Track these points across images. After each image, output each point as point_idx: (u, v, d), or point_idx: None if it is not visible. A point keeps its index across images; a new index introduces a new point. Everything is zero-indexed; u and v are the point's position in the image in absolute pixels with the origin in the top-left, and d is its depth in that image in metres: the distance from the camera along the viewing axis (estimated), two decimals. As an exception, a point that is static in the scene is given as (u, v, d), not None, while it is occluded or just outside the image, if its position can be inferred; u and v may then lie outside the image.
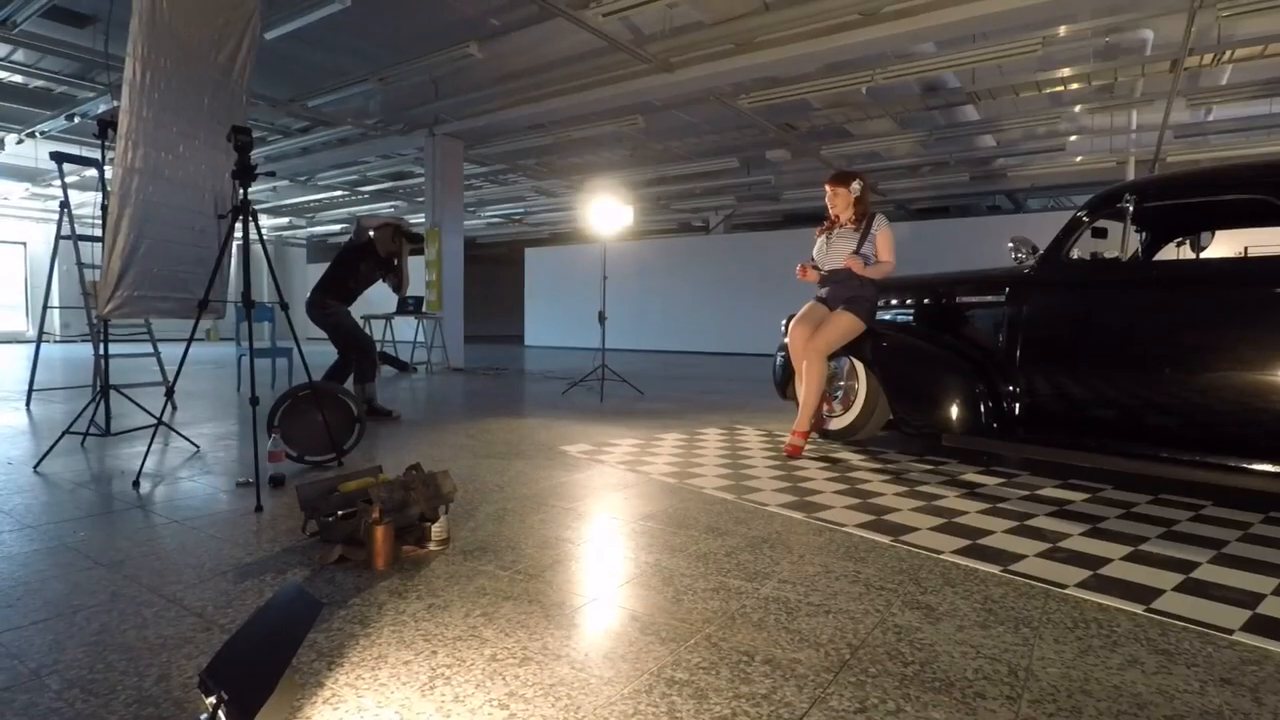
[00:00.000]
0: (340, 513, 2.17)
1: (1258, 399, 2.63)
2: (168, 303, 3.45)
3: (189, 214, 3.46)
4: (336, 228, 19.98)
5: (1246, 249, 8.34)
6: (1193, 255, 4.00)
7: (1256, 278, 2.70)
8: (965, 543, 2.21)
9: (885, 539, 2.25)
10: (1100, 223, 3.31)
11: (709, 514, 2.53)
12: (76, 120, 9.51)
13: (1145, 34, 6.89)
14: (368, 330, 8.55)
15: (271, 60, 7.22)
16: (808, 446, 3.74)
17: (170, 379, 5.13)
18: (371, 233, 4.81)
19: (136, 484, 2.88)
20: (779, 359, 4.46)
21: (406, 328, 10.18)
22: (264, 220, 18.55)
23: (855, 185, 3.89)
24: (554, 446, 3.86)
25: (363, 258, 4.85)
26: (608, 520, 2.46)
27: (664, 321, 15.15)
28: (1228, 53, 7.09)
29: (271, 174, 3.25)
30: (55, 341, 15.31)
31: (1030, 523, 2.44)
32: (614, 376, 6.67)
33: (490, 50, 7.20)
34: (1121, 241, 3.08)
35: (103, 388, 3.57)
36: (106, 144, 3.53)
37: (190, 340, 2.98)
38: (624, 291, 13.52)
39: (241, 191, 2.82)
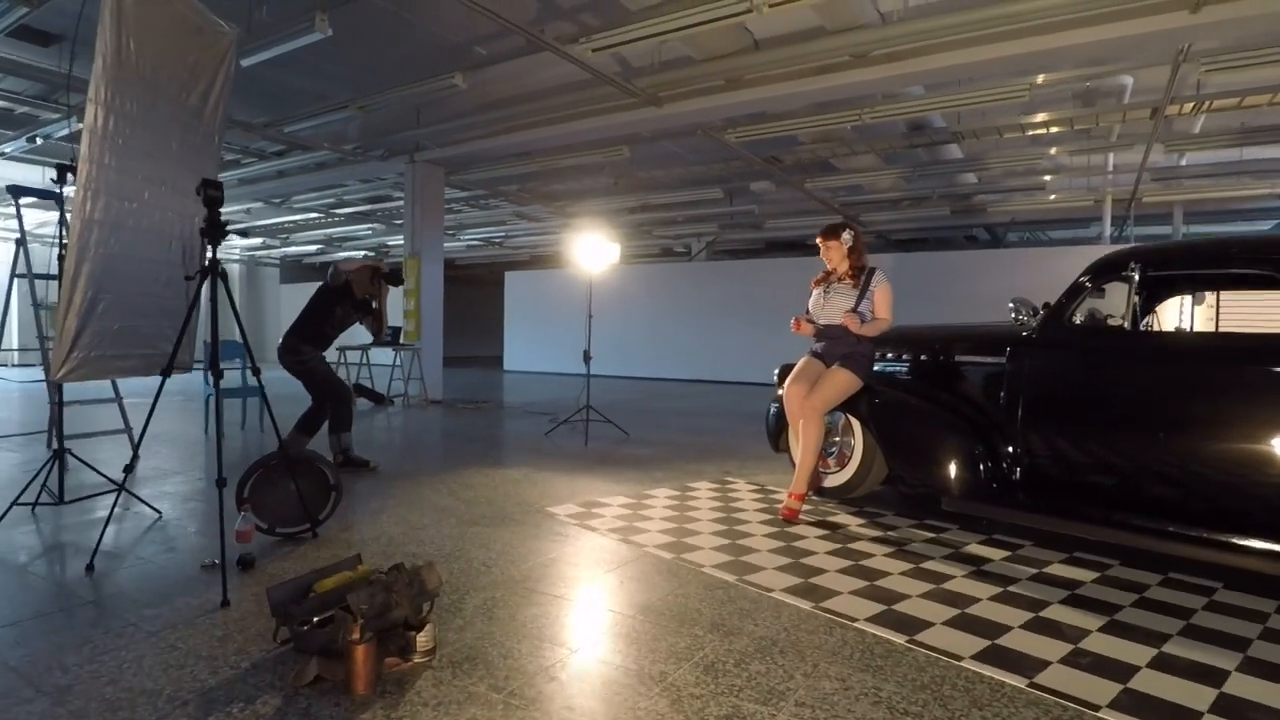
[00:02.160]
0: (316, 619, 1.99)
1: (1261, 476, 2.57)
2: (129, 360, 3.24)
3: (153, 265, 3.27)
4: (312, 248, 19.64)
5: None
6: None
7: (1262, 354, 2.65)
8: (984, 643, 2.09)
9: (900, 639, 2.12)
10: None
11: (711, 604, 2.39)
12: (39, 141, 9.20)
13: (1125, 80, 6.99)
14: (342, 364, 8.34)
15: (248, 83, 7.02)
16: (805, 506, 3.62)
17: (134, 437, 4.90)
18: (348, 276, 4.62)
19: (91, 567, 2.66)
20: (772, 409, 4.35)
21: (383, 357, 9.94)
22: (237, 241, 18.17)
23: (846, 236, 3.82)
24: (540, 507, 3.70)
25: (339, 301, 4.65)
26: (604, 616, 2.30)
27: (647, 348, 15.03)
28: (1206, 102, 7.22)
29: (243, 234, 3.08)
30: (13, 365, 14.74)
31: (1045, 614, 2.33)
32: (599, 417, 6.51)
33: (475, 80, 7.08)
34: (1126, 311, 3.02)
35: (57, 450, 3.33)
36: (64, 189, 3.33)
37: (154, 406, 2.78)
38: (607, 317, 13.38)
39: (210, 250, 2.65)
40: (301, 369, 4.57)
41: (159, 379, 2.85)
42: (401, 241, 10.53)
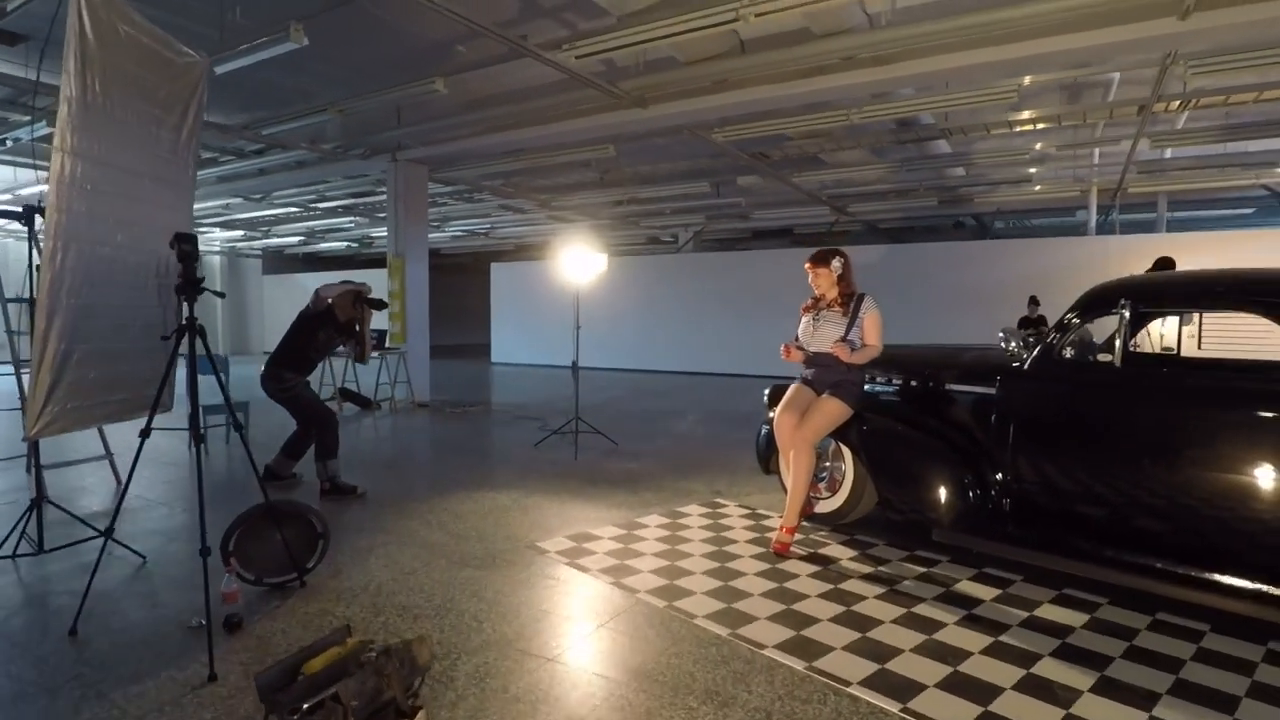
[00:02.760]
0: (305, 706, 1.96)
1: (1246, 515, 2.59)
2: (106, 407, 3.17)
3: (130, 310, 3.18)
4: (294, 240, 19.35)
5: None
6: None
7: (1252, 394, 2.65)
8: (977, 710, 2.10)
9: (894, 706, 2.12)
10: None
11: (704, 666, 2.38)
12: (8, 144, 8.96)
13: (1112, 75, 6.94)
14: (326, 368, 8.23)
15: (224, 83, 6.82)
16: (798, 535, 3.62)
17: (115, 465, 4.84)
18: (330, 300, 4.54)
19: (74, 631, 2.62)
20: (763, 431, 4.34)
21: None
22: (217, 233, 17.86)
23: (836, 263, 3.77)
24: (531, 542, 3.67)
25: (321, 325, 4.57)
26: (598, 684, 2.28)
27: (635, 341, 14.98)
28: (1192, 100, 7.20)
29: (220, 295, 2.99)
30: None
31: (1037, 670, 2.34)
32: (588, 428, 6.48)
33: (457, 81, 6.92)
34: (1116, 348, 3.01)
35: (36, 500, 3.26)
36: (35, 234, 3.22)
37: (133, 467, 2.72)
38: (594, 310, 13.31)
39: (187, 308, 2.57)
40: (286, 396, 4.51)
41: (139, 431, 2.78)
42: (385, 232, 10.36)
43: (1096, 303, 3.18)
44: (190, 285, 2.54)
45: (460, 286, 23.08)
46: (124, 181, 3.06)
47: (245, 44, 5.55)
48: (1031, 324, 10.10)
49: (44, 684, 2.31)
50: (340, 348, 4.83)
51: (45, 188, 2.79)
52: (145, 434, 2.63)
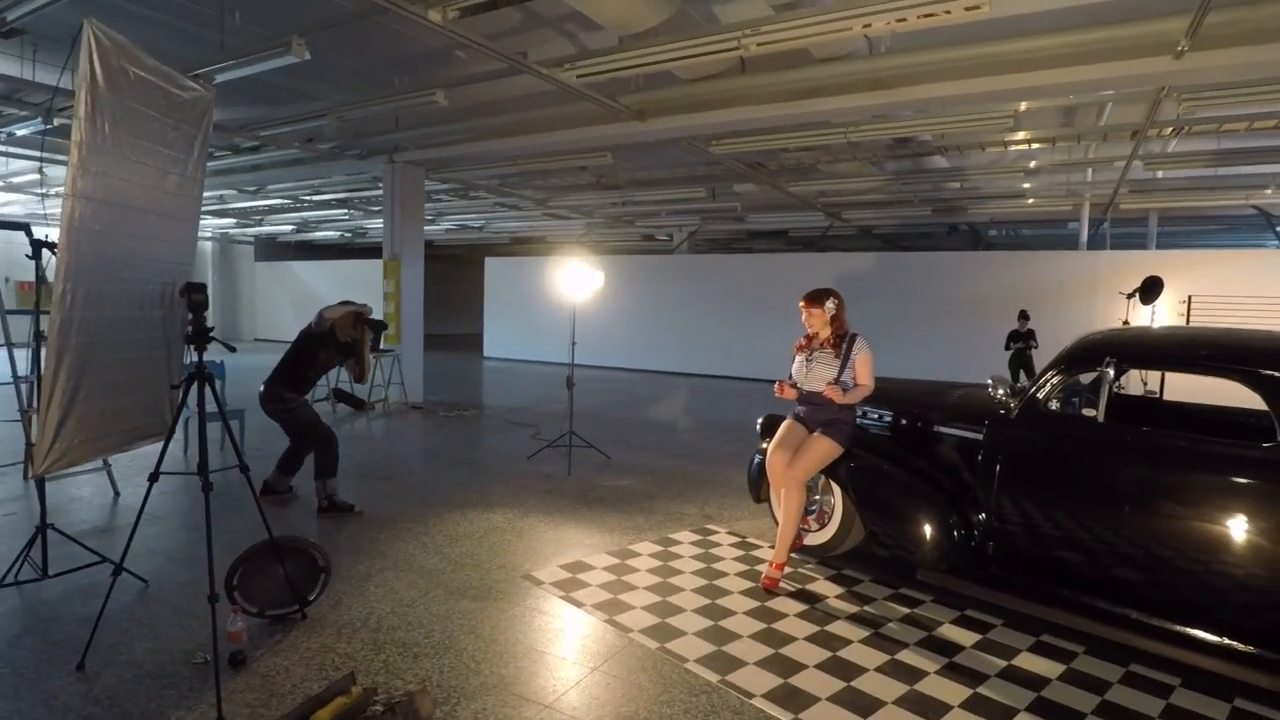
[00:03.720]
0: (312, 762, 2.04)
1: (1219, 573, 2.71)
2: (110, 439, 3.21)
3: (133, 343, 3.22)
4: (288, 228, 19.24)
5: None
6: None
7: (1228, 459, 2.76)
8: (954, 769, 2.21)
9: (875, 764, 2.23)
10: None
11: (694, 716, 2.48)
12: (4, 136, 8.88)
13: (1107, 98, 7.02)
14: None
15: (223, 84, 6.80)
16: (787, 569, 3.72)
17: (113, 475, 4.88)
18: (332, 321, 4.58)
19: (81, 666, 2.68)
20: (755, 460, 4.43)
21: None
22: (209, 220, 17.73)
23: (830, 304, 3.83)
24: (527, 571, 3.76)
25: (322, 345, 4.62)
26: (592, 733, 2.38)
27: (627, 340, 15.04)
28: (1185, 127, 7.30)
29: (231, 349, 3.04)
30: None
31: (1013, 725, 2.45)
32: (581, 442, 6.56)
33: (456, 88, 6.92)
34: (1100, 405, 3.11)
35: (40, 526, 3.31)
36: (42, 266, 3.25)
37: (141, 510, 2.77)
38: (587, 308, 13.36)
39: (197, 355, 2.63)
40: (287, 416, 4.56)
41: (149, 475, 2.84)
42: (380, 224, 10.34)
43: (1083, 357, 3.28)
44: (200, 335, 2.59)
45: (453, 277, 23.05)
46: (132, 220, 3.09)
47: (246, 54, 5.54)
48: (1021, 338, 10.24)
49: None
50: (340, 368, 4.87)
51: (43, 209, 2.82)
52: (154, 479, 2.69)
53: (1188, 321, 10.39)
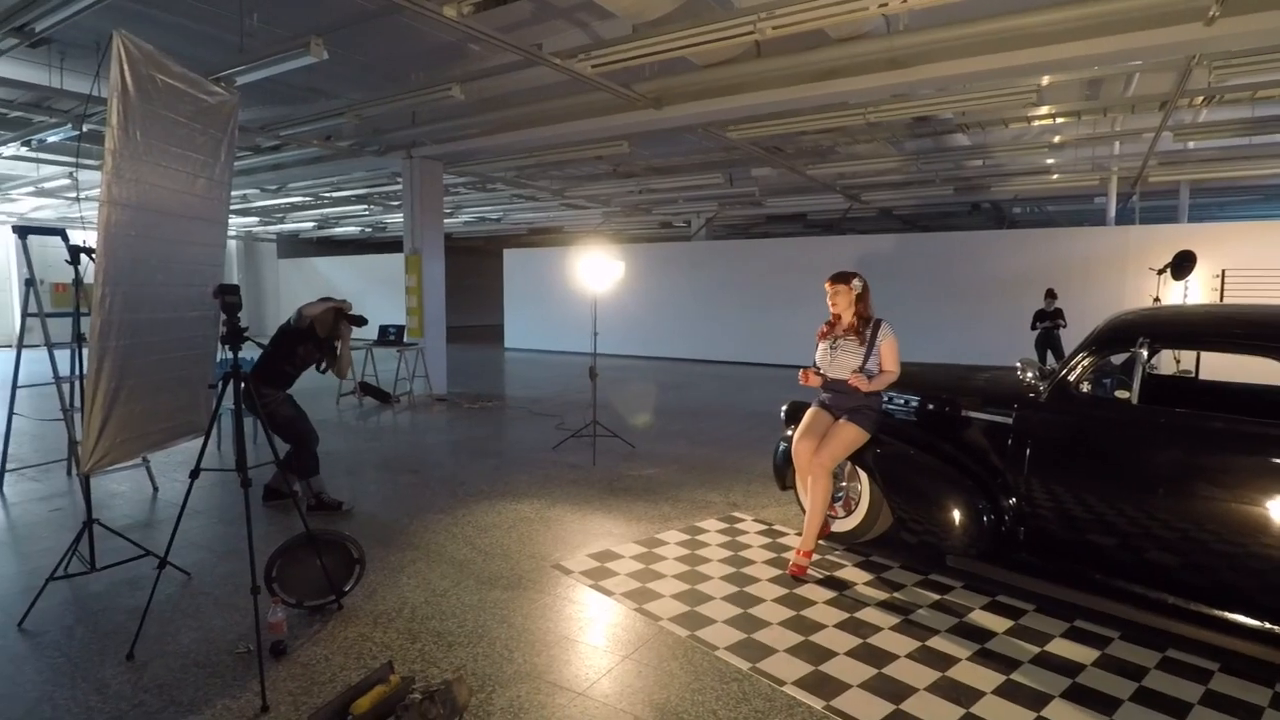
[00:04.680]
0: (356, 749, 2.10)
1: (1258, 556, 2.67)
2: (150, 437, 3.31)
3: (169, 344, 3.30)
4: (309, 224, 19.46)
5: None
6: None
7: (1265, 439, 2.71)
8: (987, 754, 2.21)
9: (908, 749, 2.24)
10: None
11: (726, 703, 2.50)
12: (33, 144, 9.07)
13: (1134, 69, 6.85)
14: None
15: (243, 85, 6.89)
16: (814, 556, 3.72)
17: (151, 471, 5.00)
18: (312, 318, 4.58)
19: (131, 656, 2.78)
20: (780, 448, 4.43)
21: (388, 354, 9.97)
22: (234, 219, 17.98)
23: (856, 282, 3.82)
24: (556, 561, 3.81)
25: (301, 341, 4.58)
26: (626, 720, 2.42)
27: (648, 328, 15.05)
28: (1216, 96, 7.10)
29: (262, 346, 3.09)
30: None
31: (1047, 713, 2.44)
32: (605, 432, 6.60)
33: (472, 81, 6.93)
34: (1133, 387, 3.07)
35: (87, 522, 3.42)
36: (80, 269, 3.34)
37: (183, 507, 2.85)
38: (607, 297, 13.40)
39: (232, 355, 2.69)
40: (265, 411, 4.54)
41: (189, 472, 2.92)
42: (400, 219, 10.42)
43: (1115, 338, 3.23)
44: (235, 335, 2.65)
45: (473, 269, 23.18)
46: (165, 224, 3.16)
47: (266, 56, 5.60)
48: (1048, 317, 10.09)
49: (109, 711, 2.47)
50: (320, 363, 4.82)
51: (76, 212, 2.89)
52: (194, 475, 2.76)
53: (1221, 297, 10.15)
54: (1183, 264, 8.78)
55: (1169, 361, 8.08)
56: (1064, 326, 9.84)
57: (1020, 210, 15.63)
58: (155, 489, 5.11)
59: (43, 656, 2.83)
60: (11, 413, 5.18)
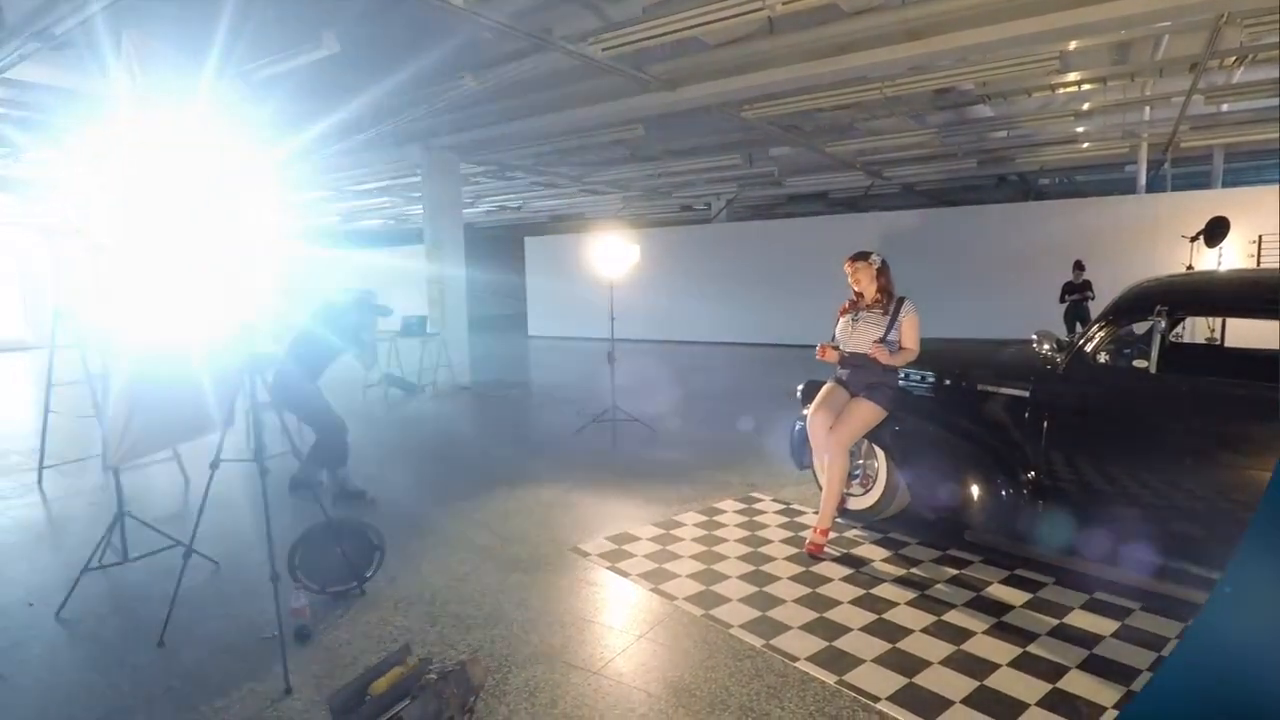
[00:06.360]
0: (374, 726, 2.16)
1: None
2: (176, 430, 3.40)
3: (192, 341, 3.37)
4: (334, 219, 19.69)
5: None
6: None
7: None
8: (1002, 728, 2.20)
9: (922, 724, 2.24)
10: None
11: (739, 679, 2.52)
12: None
13: (1162, 30, 6.61)
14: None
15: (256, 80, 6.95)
16: (832, 533, 3.71)
17: (183, 464, 5.15)
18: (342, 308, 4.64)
19: (162, 642, 2.88)
20: (796, 427, 4.41)
21: (412, 345, 10.09)
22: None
23: (874, 258, 3.77)
24: (574, 544, 3.84)
25: (330, 332, 4.66)
26: (639, 700, 2.44)
27: (669, 312, 15.01)
28: (1249, 55, 6.83)
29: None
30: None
31: (1063, 684, 2.42)
32: (625, 416, 6.62)
33: (485, 77, 6.94)
34: (1152, 355, 2.99)
35: (119, 513, 3.53)
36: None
37: (205, 498, 2.94)
38: (627, 281, 13.39)
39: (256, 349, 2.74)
40: (297, 403, 4.60)
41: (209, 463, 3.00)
42: (420, 210, 10.49)
43: (1132, 307, 3.16)
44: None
45: (494, 258, 23.27)
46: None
47: (280, 51, 5.66)
48: (1076, 289, 9.85)
49: (140, 694, 2.57)
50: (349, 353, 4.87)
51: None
52: (215, 465, 2.84)
53: (1258, 263, 9.82)
54: (1216, 231, 8.48)
55: (1202, 329, 7.85)
56: (1093, 299, 9.61)
57: (1048, 181, 15.25)
58: (187, 480, 5.26)
59: (79, 645, 2.95)
60: (47, 410, 5.34)
